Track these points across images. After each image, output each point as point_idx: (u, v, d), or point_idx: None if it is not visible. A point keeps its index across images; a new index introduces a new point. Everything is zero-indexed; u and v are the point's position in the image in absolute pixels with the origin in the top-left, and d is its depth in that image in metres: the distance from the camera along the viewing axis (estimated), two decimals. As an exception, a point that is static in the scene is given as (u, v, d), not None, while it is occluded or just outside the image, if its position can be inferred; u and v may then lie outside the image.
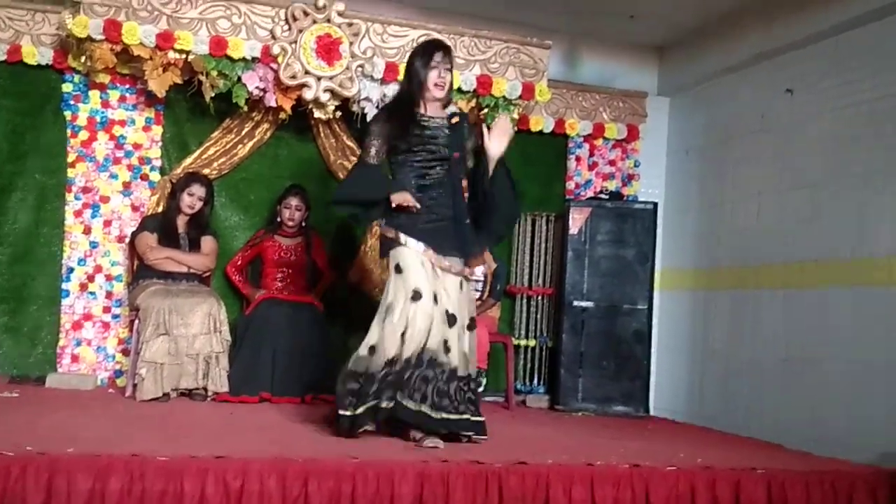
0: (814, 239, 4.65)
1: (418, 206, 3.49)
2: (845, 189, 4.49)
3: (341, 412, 3.43)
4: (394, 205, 3.48)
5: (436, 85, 3.56)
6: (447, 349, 3.44)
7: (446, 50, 3.62)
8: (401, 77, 4.63)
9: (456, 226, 3.52)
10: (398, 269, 3.47)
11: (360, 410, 3.40)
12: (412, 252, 3.47)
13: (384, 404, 3.38)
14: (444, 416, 3.42)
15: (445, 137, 3.55)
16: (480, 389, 5.06)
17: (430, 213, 3.51)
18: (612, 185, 5.81)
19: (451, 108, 3.71)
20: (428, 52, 3.60)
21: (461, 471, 2.95)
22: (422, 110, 3.60)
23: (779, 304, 4.84)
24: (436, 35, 4.95)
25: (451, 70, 3.61)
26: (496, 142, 3.56)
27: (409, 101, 3.61)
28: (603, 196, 5.52)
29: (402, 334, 3.41)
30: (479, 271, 5.07)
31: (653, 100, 5.92)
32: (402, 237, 3.49)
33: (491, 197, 3.59)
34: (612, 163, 5.87)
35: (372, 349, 3.46)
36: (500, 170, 3.60)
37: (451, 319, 3.47)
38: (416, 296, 3.41)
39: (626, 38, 5.86)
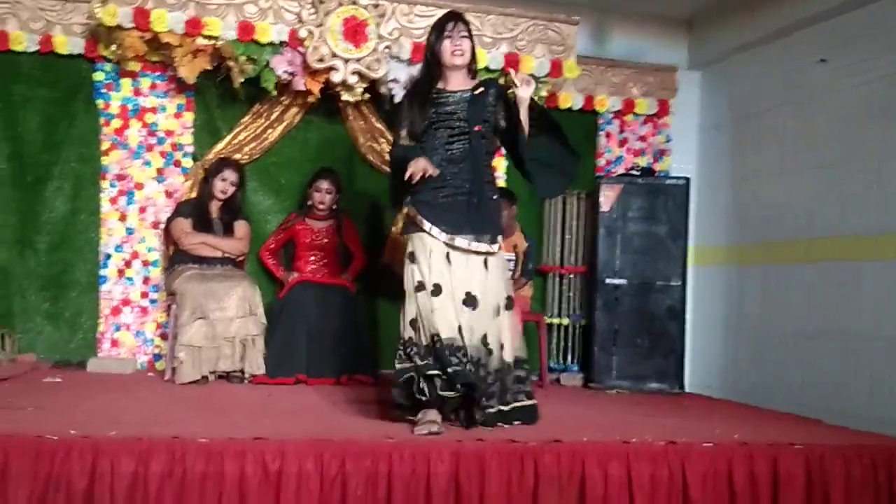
0: (839, 214, 4.61)
1: (435, 170, 3.42)
2: (868, 163, 4.42)
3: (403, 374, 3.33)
4: (406, 176, 3.39)
5: (453, 53, 3.50)
6: (465, 335, 3.33)
7: (458, 17, 3.57)
8: None
9: (477, 201, 3.44)
10: (411, 258, 3.43)
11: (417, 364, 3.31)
12: (428, 241, 3.40)
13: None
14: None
15: (466, 111, 3.48)
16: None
17: (451, 188, 3.45)
18: (643, 162, 5.76)
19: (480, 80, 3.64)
20: (440, 23, 3.56)
21: (496, 450, 2.96)
22: (443, 85, 3.55)
23: (808, 279, 4.82)
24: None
25: (468, 37, 3.53)
26: (523, 87, 3.48)
27: (427, 80, 3.56)
28: (634, 172, 5.49)
29: (413, 322, 3.35)
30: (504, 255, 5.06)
31: (683, 74, 5.86)
32: (423, 221, 3.43)
33: (537, 150, 3.57)
34: (642, 138, 5.82)
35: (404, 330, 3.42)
36: (534, 113, 3.53)
37: (472, 301, 3.39)
38: (420, 287, 3.35)
39: (654, 12, 5.79)
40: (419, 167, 3.39)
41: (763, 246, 5.24)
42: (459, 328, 3.32)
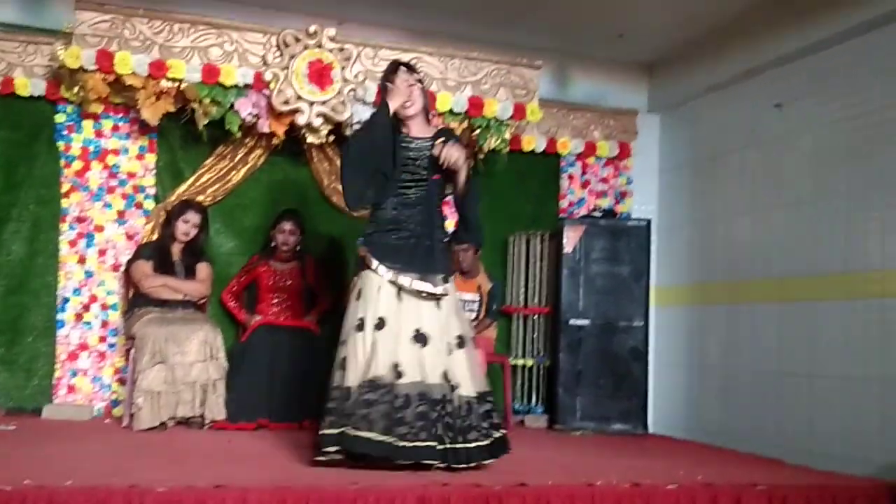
0: (805, 253, 4.66)
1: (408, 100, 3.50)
2: (834, 203, 4.51)
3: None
4: (392, 110, 3.48)
5: (403, 106, 3.56)
6: (411, 371, 3.31)
7: (407, 67, 3.65)
8: None
9: (430, 245, 3.49)
10: (357, 296, 3.45)
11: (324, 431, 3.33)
12: (376, 279, 3.42)
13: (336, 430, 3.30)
14: (407, 444, 3.24)
15: (427, 159, 3.54)
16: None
17: (404, 230, 3.50)
18: (605, 203, 5.84)
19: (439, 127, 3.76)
20: (385, 74, 3.63)
21: (462, 494, 2.94)
22: (406, 131, 3.61)
23: (773, 318, 4.85)
24: (426, 57, 5.03)
25: (414, 85, 3.59)
26: (451, 159, 3.49)
27: (387, 124, 3.56)
28: (596, 214, 5.55)
29: (344, 361, 3.37)
30: (468, 296, 5.11)
31: (643, 117, 5.95)
32: (373, 260, 3.45)
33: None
34: (604, 180, 5.90)
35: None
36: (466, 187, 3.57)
37: (422, 338, 3.37)
38: (361, 325, 3.37)
39: (615, 57, 5.88)
40: (399, 102, 3.49)
41: (727, 285, 5.28)
42: (396, 365, 3.29)
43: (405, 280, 3.42)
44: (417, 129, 3.63)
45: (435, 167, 3.53)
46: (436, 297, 3.45)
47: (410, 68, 3.67)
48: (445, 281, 3.51)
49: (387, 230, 3.51)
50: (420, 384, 3.31)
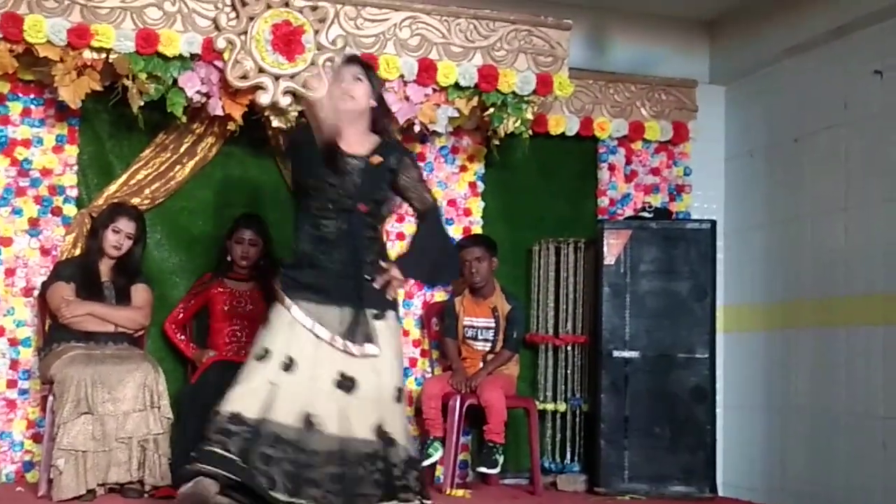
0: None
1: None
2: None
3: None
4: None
5: (340, 97, 3.72)
6: (331, 423, 3.54)
7: (352, 60, 3.91)
8: (380, 72, 4.81)
9: (352, 288, 3.67)
10: (265, 323, 3.74)
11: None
12: (287, 317, 3.66)
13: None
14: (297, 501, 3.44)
15: (355, 185, 3.70)
16: (496, 470, 5.04)
17: (322, 271, 3.69)
18: (656, 201, 5.81)
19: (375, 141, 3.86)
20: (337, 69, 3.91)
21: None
22: (341, 144, 3.72)
23: (877, 346, 4.83)
24: (424, 17, 5.03)
25: (362, 81, 3.79)
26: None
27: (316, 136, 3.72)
28: (646, 214, 5.52)
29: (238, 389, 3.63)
30: (480, 321, 5.20)
31: (704, 89, 5.95)
32: (287, 301, 3.67)
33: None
34: (655, 171, 5.89)
35: None
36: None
37: (348, 383, 3.59)
38: (264, 355, 3.64)
39: (667, 13, 5.90)
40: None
41: (819, 303, 5.26)
42: (307, 417, 3.52)
43: (325, 335, 3.62)
44: (353, 141, 3.76)
45: (366, 195, 3.70)
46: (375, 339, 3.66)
47: (357, 62, 3.89)
48: (369, 340, 3.64)
49: (303, 270, 3.73)
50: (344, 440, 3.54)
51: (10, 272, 4.92)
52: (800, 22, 5.38)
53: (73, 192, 5.03)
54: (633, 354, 5.26)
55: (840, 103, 5.17)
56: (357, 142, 3.77)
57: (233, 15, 4.70)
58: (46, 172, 4.99)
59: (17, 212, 4.94)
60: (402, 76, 4.95)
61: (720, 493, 5.29)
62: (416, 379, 5.34)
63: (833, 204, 5.20)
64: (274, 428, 3.51)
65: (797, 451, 5.32)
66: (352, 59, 3.93)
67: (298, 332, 3.63)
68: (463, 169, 5.59)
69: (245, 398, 3.58)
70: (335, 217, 3.70)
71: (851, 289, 5.03)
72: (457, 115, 5.11)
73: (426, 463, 4.83)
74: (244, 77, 4.67)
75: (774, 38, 5.57)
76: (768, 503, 5.24)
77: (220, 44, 4.66)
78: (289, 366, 3.58)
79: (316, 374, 3.57)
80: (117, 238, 4.71)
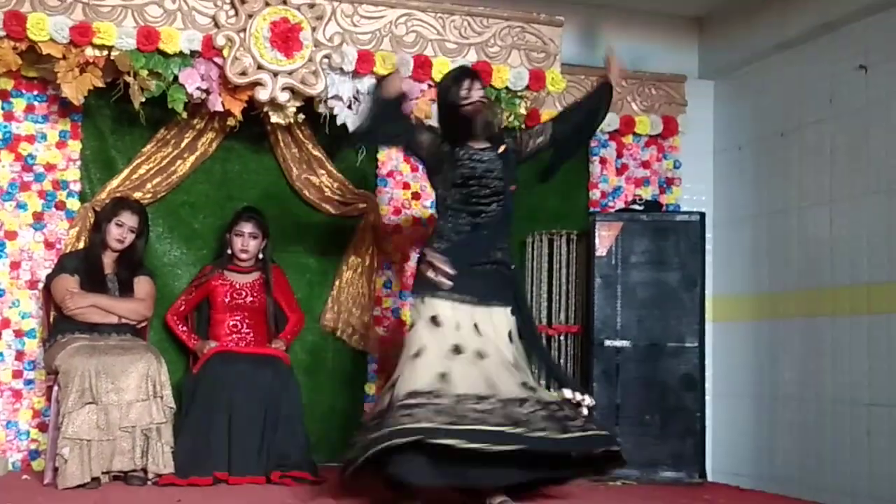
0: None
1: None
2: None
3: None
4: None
5: (470, 108, 4.17)
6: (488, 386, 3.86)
7: (474, 75, 4.29)
8: (376, 69, 4.91)
9: (501, 269, 4.17)
10: (434, 321, 4.00)
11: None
12: (448, 307, 4.02)
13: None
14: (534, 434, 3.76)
15: (500, 170, 4.16)
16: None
17: (480, 256, 4.11)
18: (646, 193, 5.86)
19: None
20: (454, 80, 4.25)
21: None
22: (472, 142, 4.16)
23: (862, 335, 4.86)
24: (419, 14, 5.06)
25: (482, 91, 4.24)
26: (615, 73, 4.40)
27: (457, 131, 4.18)
28: (636, 207, 5.55)
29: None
30: None
31: (693, 84, 5.98)
32: (444, 284, 4.02)
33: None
34: (645, 164, 5.93)
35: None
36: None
37: (481, 355, 3.95)
38: (418, 353, 3.94)
39: (657, 9, 5.90)
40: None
41: (803, 294, 5.29)
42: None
43: (496, 314, 4.10)
44: (478, 139, 4.22)
45: (510, 177, 4.21)
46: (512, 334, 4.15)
47: (477, 76, 4.31)
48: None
49: (462, 254, 4.09)
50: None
51: (15, 265, 4.94)
52: (787, 18, 5.38)
53: (77, 187, 5.06)
54: (625, 344, 5.29)
55: (826, 98, 5.18)
56: (481, 140, 4.22)
57: (232, 13, 4.74)
58: (50, 167, 5.01)
59: (22, 206, 4.97)
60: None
61: (709, 479, 5.33)
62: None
63: (819, 196, 5.21)
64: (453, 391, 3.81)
65: (784, 438, 5.35)
66: (474, 75, 4.28)
67: (460, 321, 4.03)
68: (458, 163, 5.64)
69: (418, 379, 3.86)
70: (493, 201, 4.17)
71: (837, 279, 5.04)
72: (451, 110, 5.15)
73: None
74: (243, 73, 4.71)
75: (762, 34, 5.58)
76: (756, 488, 5.24)
77: (220, 41, 4.69)
78: (457, 350, 3.95)
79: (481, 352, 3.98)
80: (120, 231, 4.75)
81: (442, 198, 4.23)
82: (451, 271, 4.02)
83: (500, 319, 4.13)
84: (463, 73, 4.27)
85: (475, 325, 4.03)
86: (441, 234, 4.18)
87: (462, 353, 3.92)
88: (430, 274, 4.05)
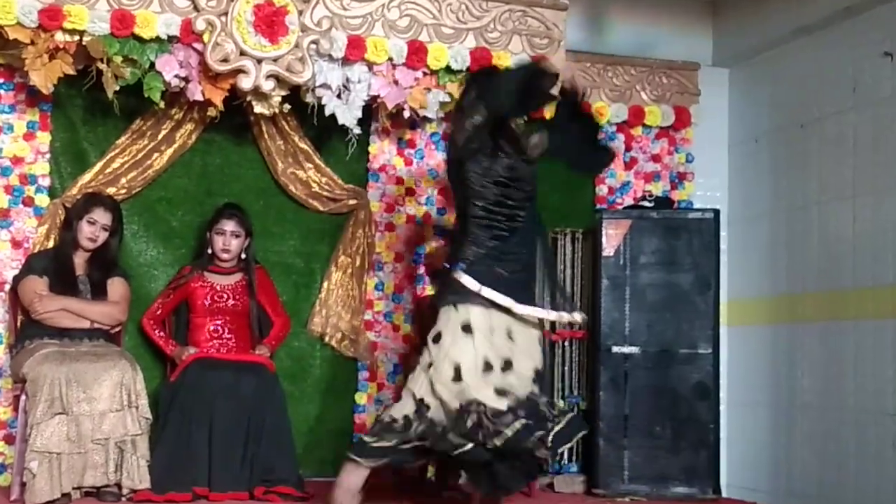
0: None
1: None
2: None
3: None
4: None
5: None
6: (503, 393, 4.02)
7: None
8: (368, 55, 4.94)
9: (531, 274, 4.26)
10: (467, 330, 4.05)
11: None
12: (488, 314, 4.07)
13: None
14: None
15: (531, 176, 4.23)
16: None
17: (514, 262, 4.15)
18: (657, 189, 5.81)
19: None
20: (549, 78, 4.23)
21: None
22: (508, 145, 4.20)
23: (887, 340, 4.84)
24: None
25: None
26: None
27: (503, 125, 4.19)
28: (646, 204, 5.49)
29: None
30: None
31: (707, 72, 5.95)
32: (486, 291, 4.04)
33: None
34: (655, 158, 5.87)
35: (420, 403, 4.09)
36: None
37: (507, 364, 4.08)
38: (488, 365, 4.03)
39: (668, -8, 5.96)
40: None
41: (826, 296, 5.28)
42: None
43: (525, 310, 4.13)
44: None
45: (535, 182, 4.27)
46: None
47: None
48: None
49: (496, 263, 4.12)
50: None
51: (-21, 266, 4.94)
52: (806, 1, 5.37)
53: (46, 182, 5.00)
54: (633, 350, 5.24)
55: (848, 87, 5.17)
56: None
57: (213, -6, 4.75)
58: (17, 161, 4.96)
59: (-13, 202, 4.96)
60: (390, 59, 4.94)
61: (724, 495, 5.29)
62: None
63: (841, 191, 5.20)
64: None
65: (804, 450, 5.35)
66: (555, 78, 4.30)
67: (499, 333, 4.13)
68: (455, 157, 5.55)
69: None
70: (527, 206, 4.22)
71: (860, 280, 5.04)
72: (448, 99, 5.07)
73: None
74: (225, 60, 4.66)
75: (780, 18, 5.56)
76: (773, 503, 5.29)
77: (200, 25, 4.63)
78: (506, 367, 4.07)
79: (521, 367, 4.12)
80: (92, 230, 4.70)
81: (475, 195, 4.17)
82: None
83: (533, 325, 4.23)
84: (555, 77, 4.27)
85: (509, 333, 4.13)
86: (475, 240, 4.17)
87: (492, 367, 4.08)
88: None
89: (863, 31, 5.08)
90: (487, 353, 4.04)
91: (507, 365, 4.05)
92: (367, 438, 4.12)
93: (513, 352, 4.09)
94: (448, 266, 4.25)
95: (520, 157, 4.18)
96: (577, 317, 4.33)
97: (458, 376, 4.00)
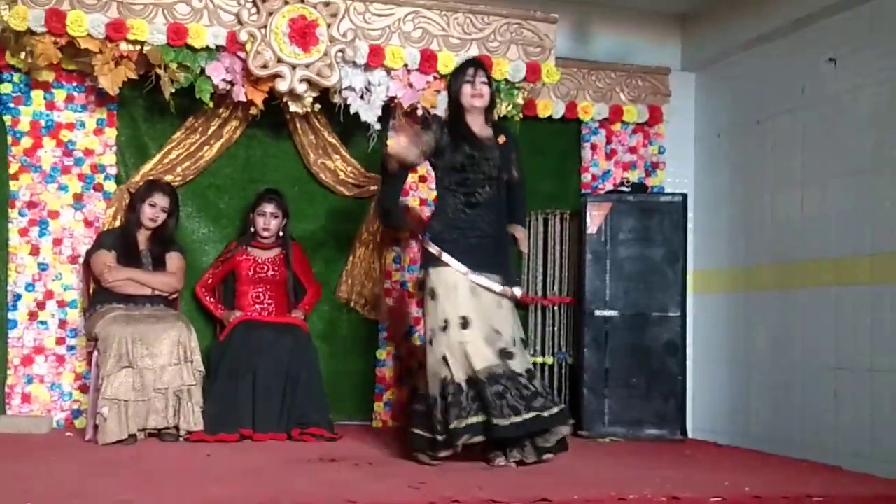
0: (866, 230, 4.66)
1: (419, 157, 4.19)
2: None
3: (411, 430, 4.08)
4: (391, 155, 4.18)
5: (472, 96, 4.15)
6: (506, 356, 3.95)
7: (479, 64, 4.26)
8: (386, 62, 4.96)
9: (497, 245, 4.17)
10: (432, 295, 4.04)
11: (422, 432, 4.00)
12: (451, 274, 4.03)
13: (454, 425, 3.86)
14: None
15: (496, 158, 4.16)
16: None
17: (475, 230, 4.11)
18: (634, 176, 5.84)
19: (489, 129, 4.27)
20: (461, 69, 4.25)
21: (475, 512, 2.97)
22: (474, 130, 4.16)
23: (829, 305, 4.86)
24: (425, 12, 5.05)
25: (487, 84, 4.20)
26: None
27: (457, 122, 4.18)
28: (624, 188, 5.54)
29: (445, 358, 3.94)
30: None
31: (676, 76, 5.96)
32: (445, 256, 4.03)
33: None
34: (632, 150, 5.89)
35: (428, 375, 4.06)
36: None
37: (497, 334, 3.99)
38: (446, 325, 3.96)
39: (643, 7, 5.88)
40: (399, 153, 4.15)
41: (776, 268, 5.29)
42: (500, 352, 3.94)
43: (491, 282, 4.07)
44: (478, 128, 4.20)
45: (505, 166, 4.21)
46: (502, 296, 4.12)
47: (482, 66, 4.28)
48: (512, 283, 4.18)
49: (458, 227, 4.10)
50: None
51: (57, 241, 4.95)
52: (762, 15, 5.36)
53: (113, 171, 5.07)
54: (613, 313, 5.30)
55: (798, 88, 5.17)
56: (480, 128, 4.21)
57: (254, 10, 4.73)
58: (89, 152, 5.02)
59: (63, 188, 4.97)
60: (406, 65, 4.99)
61: (690, 436, 5.36)
62: (419, 336, 5.31)
63: (791, 179, 5.21)
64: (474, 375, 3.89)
65: (758, 399, 5.36)
66: (479, 64, 4.26)
67: (462, 290, 4.04)
68: (461, 149, 5.61)
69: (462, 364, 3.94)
70: (486, 184, 4.16)
71: (806, 254, 5.05)
72: (455, 100, 5.12)
73: None
74: (264, 66, 4.71)
75: (740, 29, 5.56)
76: (732, 444, 5.26)
77: (243, 36, 4.69)
78: (464, 324, 3.96)
79: (484, 324, 4.00)
80: (153, 211, 4.76)
81: (441, 179, 4.23)
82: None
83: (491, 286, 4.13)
84: (469, 64, 4.25)
85: (471, 290, 4.06)
86: (439, 211, 4.21)
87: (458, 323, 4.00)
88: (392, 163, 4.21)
89: (811, 41, 5.07)
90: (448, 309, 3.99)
91: (465, 322, 3.95)
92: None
93: (477, 311, 4.00)
94: (420, 235, 4.30)
95: (475, 148, 4.14)
96: (517, 291, 4.18)
97: (445, 326, 3.96)
